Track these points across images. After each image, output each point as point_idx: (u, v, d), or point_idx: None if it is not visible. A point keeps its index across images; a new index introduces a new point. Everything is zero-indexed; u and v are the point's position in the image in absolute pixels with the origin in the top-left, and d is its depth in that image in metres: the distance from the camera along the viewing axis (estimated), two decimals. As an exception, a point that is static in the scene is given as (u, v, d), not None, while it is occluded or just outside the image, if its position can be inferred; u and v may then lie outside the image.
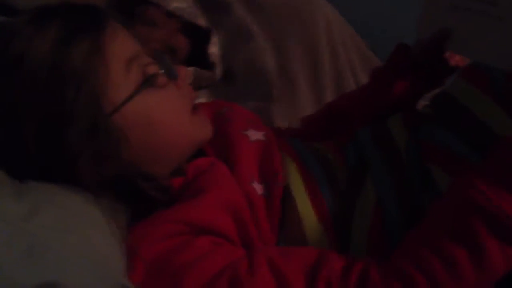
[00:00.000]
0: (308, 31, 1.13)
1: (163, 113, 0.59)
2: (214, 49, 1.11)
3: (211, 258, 0.52)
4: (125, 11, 0.60)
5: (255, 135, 0.68)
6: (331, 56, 1.15)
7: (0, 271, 0.42)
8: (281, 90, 1.09)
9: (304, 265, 0.52)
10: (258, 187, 0.60)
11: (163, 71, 0.60)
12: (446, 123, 0.65)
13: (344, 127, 0.80)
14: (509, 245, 0.48)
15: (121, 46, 0.57)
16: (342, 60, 1.15)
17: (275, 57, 1.11)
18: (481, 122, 0.61)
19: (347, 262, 0.52)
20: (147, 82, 0.58)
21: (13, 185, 0.52)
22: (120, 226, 0.54)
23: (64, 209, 0.51)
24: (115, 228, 0.53)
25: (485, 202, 0.49)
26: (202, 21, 1.12)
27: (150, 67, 0.59)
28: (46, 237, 0.47)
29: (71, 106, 0.53)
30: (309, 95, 1.11)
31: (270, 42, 1.12)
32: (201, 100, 1.06)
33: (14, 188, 0.52)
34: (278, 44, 1.12)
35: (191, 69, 1.11)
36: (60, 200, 0.52)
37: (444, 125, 0.65)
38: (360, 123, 0.74)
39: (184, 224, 0.54)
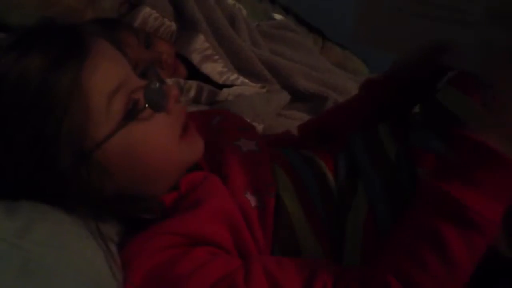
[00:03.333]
0: None
1: (148, 145, 0.57)
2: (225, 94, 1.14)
3: (208, 268, 0.53)
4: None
5: (247, 145, 0.68)
6: None
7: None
8: None
9: (300, 274, 0.52)
10: (251, 198, 0.61)
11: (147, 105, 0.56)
12: (436, 129, 0.65)
13: (336, 137, 0.80)
14: (466, 228, 0.49)
15: (104, 78, 0.55)
16: None
17: None
18: None
19: (338, 273, 0.53)
20: (130, 117, 0.55)
21: (4, 202, 0.52)
22: (115, 239, 0.55)
23: (58, 225, 0.51)
24: (110, 241, 0.53)
25: (436, 192, 0.51)
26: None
27: (137, 94, 0.57)
28: (40, 253, 0.47)
29: (52, 142, 0.51)
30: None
31: None
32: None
33: (6, 205, 0.51)
34: None
35: (193, 82, 1.12)
36: (53, 217, 0.52)
37: (434, 132, 0.65)
38: (352, 131, 0.75)
39: (181, 235, 0.55)
